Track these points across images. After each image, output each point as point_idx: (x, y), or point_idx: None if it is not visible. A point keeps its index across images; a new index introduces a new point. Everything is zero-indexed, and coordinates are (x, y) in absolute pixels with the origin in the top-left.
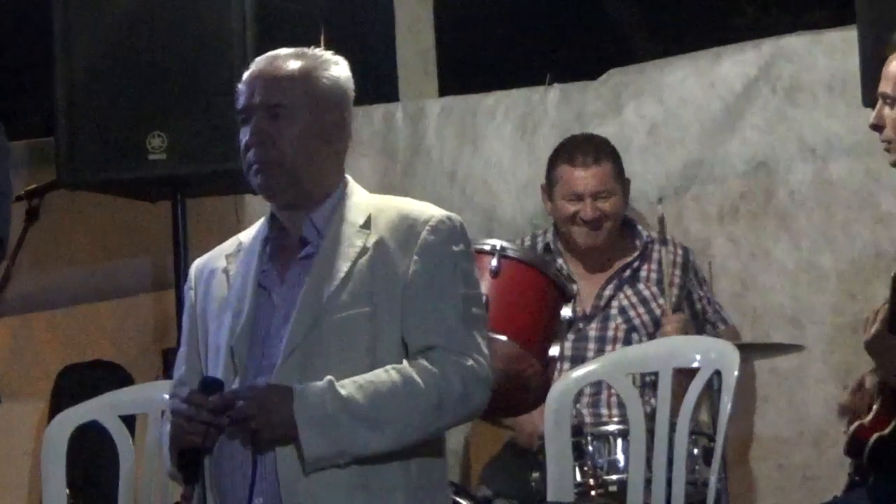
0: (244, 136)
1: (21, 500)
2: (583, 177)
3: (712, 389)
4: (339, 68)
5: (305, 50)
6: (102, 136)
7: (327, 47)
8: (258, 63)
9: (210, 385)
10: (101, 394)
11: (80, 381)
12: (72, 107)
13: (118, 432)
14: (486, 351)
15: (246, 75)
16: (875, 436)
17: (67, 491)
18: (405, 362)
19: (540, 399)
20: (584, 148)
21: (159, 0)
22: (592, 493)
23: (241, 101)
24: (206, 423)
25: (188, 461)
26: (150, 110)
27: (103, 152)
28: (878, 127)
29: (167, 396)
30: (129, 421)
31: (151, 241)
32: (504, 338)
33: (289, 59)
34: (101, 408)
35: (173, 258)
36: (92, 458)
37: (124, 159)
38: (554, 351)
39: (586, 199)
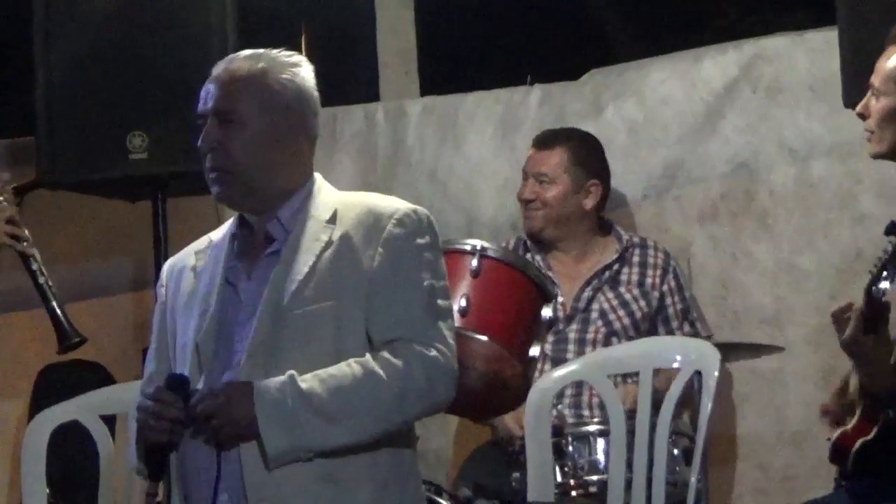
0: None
1: (1, 499)
2: (534, 157)
3: (693, 390)
4: (295, 70)
5: (262, 52)
6: (83, 136)
7: (308, 47)
8: (216, 67)
9: (176, 382)
10: (82, 393)
11: (61, 381)
12: (52, 106)
13: (98, 432)
14: (451, 342)
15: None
16: (859, 442)
17: (48, 490)
18: (368, 355)
19: (520, 399)
20: (549, 132)
21: None
22: (573, 493)
23: (198, 106)
24: (172, 421)
25: (154, 458)
26: (130, 110)
27: (84, 152)
28: (863, 116)
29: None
30: (110, 420)
31: (132, 241)
32: (484, 338)
33: (242, 63)
34: (82, 407)
35: (154, 258)
36: (72, 458)
37: (105, 159)
38: (534, 351)
39: (529, 178)
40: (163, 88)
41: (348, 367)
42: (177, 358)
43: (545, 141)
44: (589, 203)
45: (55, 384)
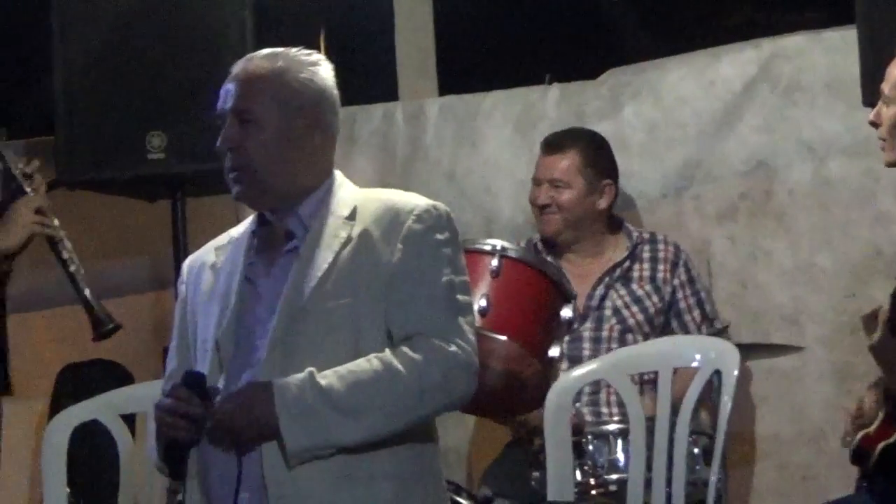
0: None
1: (22, 499)
2: (545, 162)
3: (712, 389)
4: (314, 69)
5: (282, 51)
6: (101, 135)
7: (327, 46)
8: (236, 66)
9: (193, 379)
10: (102, 392)
11: (81, 380)
12: (71, 105)
13: (118, 431)
14: (471, 338)
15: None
16: (881, 445)
17: (68, 490)
18: (387, 350)
19: (539, 399)
20: (558, 135)
21: None
22: (593, 492)
23: (217, 105)
24: (189, 417)
25: (173, 455)
26: (149, 109)
27: (102, 151)
28: (875, 124)
29: None
30: (130, 420)
31: (151, 241)
32: (504, 338)
33: (261, 62)
34: (102, 406)
35: (172, 257)
36: (92, 457)
37: (124, 158)
38: (554, 351)
39: (543, 184)
40: (181, 88)
41: (367, 363)
42: (197, 355)
43: (554, 145)
44: (603, 203)
45: (75, 383)
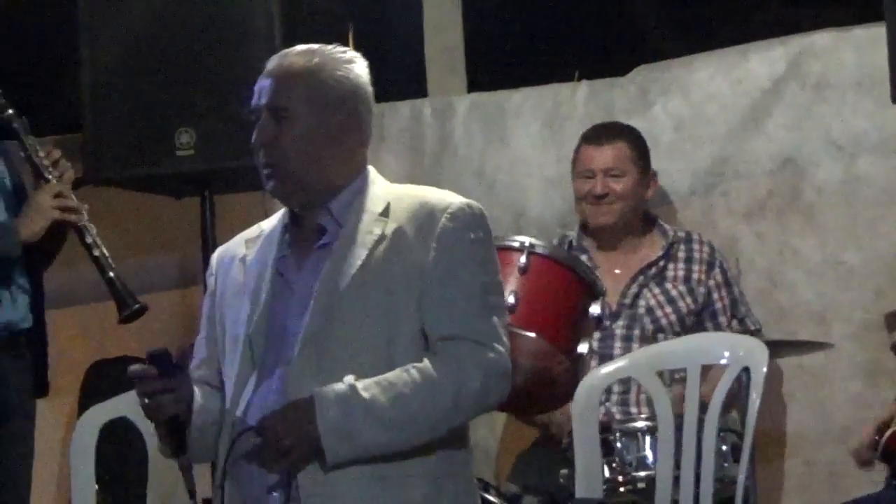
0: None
1: (50, 496)
2: (596, 153)
3: (741, 386)
4: (350, 67)
5: (317, 48)
6: (129, 132)
7: (355, 43)
8: (270, 62)
9: (155, 356)
10: (130, 390)
11: (109, 377)
12: (98, 102)
13: (147, 428)
14: (505, 339)
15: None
16: None
17: (96, 487)
18: (426, 360)
19: (568, 396)
20: (602, 127)
21: None
22: (621, 489)
23: (252, 101)
24: (153, 393)
25: (166, 432)
26: (177, 106)
27: (130, 148)
28: None
29: None
30: None
31: (179, 238)
32: (532, 334)
33: (297, 59)
34: (130, 404)
35: (200, 255)
36: (121, 454)
37: (152, 155)
38: (583, 348)
39: (598, 175)
40: (210, 85)
41: (406, 374)
42: (227, 349)
43: (604, 135)
44: (650, 193)
45: (103, 381)
